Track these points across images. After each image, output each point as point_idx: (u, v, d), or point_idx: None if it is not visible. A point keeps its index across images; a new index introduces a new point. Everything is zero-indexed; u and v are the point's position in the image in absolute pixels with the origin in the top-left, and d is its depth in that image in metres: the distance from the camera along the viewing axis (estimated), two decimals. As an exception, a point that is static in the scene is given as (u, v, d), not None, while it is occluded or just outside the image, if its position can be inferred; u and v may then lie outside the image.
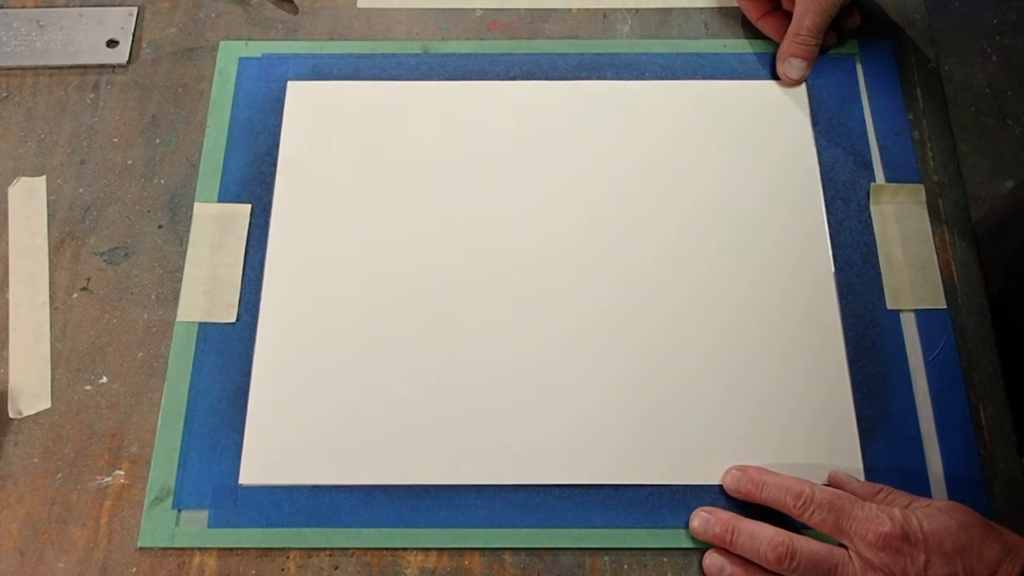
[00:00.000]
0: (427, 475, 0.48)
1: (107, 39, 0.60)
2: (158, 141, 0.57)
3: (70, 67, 0.59)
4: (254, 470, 0.48)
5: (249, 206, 0.54)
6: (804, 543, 0.43)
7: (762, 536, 0.44)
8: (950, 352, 0.51)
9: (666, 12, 0.61)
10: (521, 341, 0.51)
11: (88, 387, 0.50)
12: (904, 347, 0.51)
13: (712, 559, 0.45)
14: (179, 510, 0.47)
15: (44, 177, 0.56)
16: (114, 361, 0.51)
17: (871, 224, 0.54)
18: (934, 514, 0.42)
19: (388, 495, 0.47)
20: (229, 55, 0.59)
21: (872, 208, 0.54)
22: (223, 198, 0.55)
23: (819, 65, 0.59)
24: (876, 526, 0.42)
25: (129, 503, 0.48)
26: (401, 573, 0.46)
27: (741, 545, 0.44)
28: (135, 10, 0.61)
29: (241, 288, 0.52)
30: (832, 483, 0.47)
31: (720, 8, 0.61)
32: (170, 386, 0.50)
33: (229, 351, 0.51)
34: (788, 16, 0.57)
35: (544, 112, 0.57)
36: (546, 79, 0.58)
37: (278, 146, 0.56)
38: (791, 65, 0.57)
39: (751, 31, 0.60)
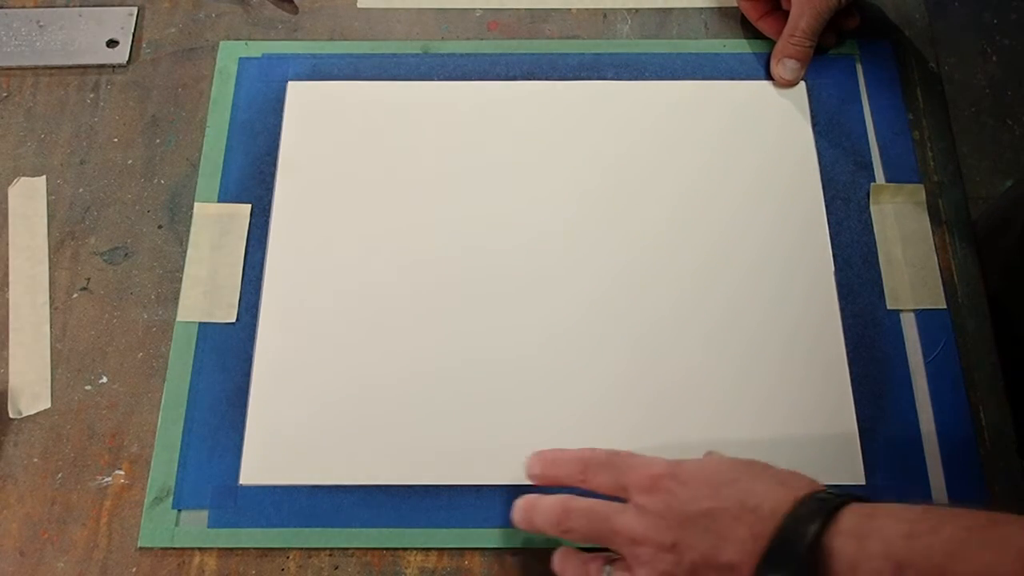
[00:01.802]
0: (427, 475, 0.48)
1: (107, 39, 0.60)
2: (158, 141, 0.57)
3: (70, 67, 0.59)
4: (254, 470, 0.48)
5: (249, 206, 0.54)
6: (578, 500, 0.42)
7: (542, 508, 0.42)
8: (950, 352, 0.51)
9: (666, 12, 0.61)
10: (521, 342, 0.51)
11: (88, 387, 0.50)
12: (904, 347, 0.51)
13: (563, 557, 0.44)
14: (179, 510, 0.47)
15: (44, 177, 0.56)
16: (114, 361, 0.51)
17: (871, 224, 0.54)
18: (714, 459, 0.41)
19: (388, 495, 0.47)
20: (229, 55, 0.59)
21: (872, 208, 0.54)
22: (223, 198, 0.55)
23: (819, 65, 0.59)
24: (648, 470, 0.41)
25: (129, 503, 0.48)
26: (401, 573, 0.46)
27: (540, 527, 0.43)
28: (135, 10, 0.61)
29: (241, 288, 0.52)
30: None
31: (720, 8, 0.61)
32: (170, 386, 0.50)
33: (229, 351, 0.51)
34: (787, 16, 0.57)
35: (544, 112, 0.57)
36: (546, 79, 0.58)
37: (278, 146, 0.56)
38: (785, 66, 0.57)
39: (751, 31, 0.60)
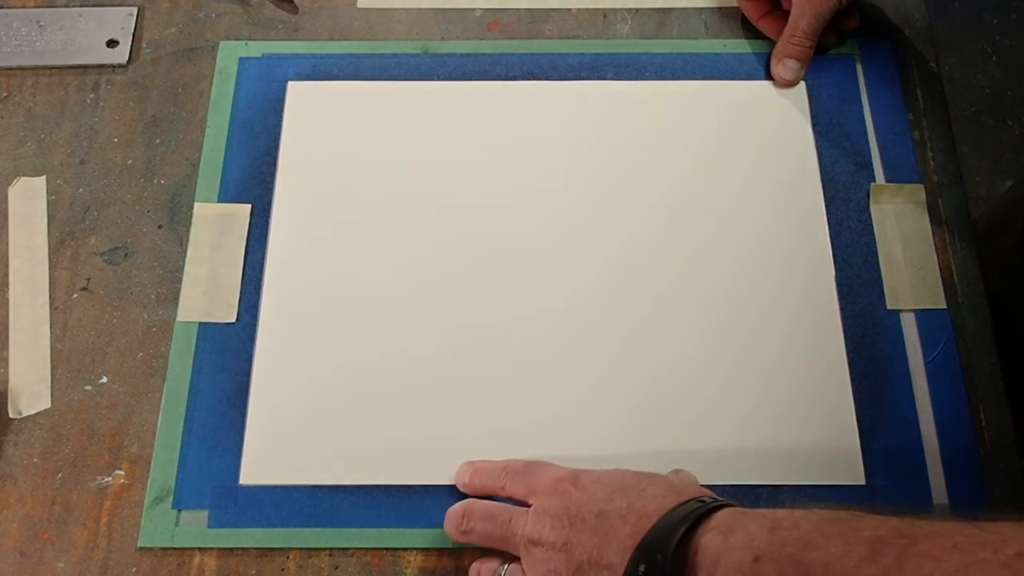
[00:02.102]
0: (427, 475, 0.48)
1: (107, 39, 0.60)
2: (158, 141, 0.57)
3: (70, 67, 0.59)
4: (254, 470, 0.48)
5: (249, 206, 0.54)
6: (479, 502, 0.44)
7: (448, 514, 0.45)
8: (950, 352, 0.51)
9: (666, 12, 0.61)
10: (522, 345, 0.51)
11: (88, 387, 0.50)
12: (904, 347, 0.51)
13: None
14: (179, 510, 0.47)
15: (44, 177, 0.56)
16: (114, 361, 0.51)
17: (871, 224, 0.54)
18: (616, 469, 0.43)
19: (388, 495, 0.47)
20: (229, 55, 0.59)
21: (872, 208, 0.54)
22: (223, 198, 0.55)
23: (819, 65, 0.59)
24: (553, 475, 0.43)
25: (129, 503, 0.48)
26: (401, 573, 0.46)
27: (448, 531, 0.45)
28: (135, 10, 0.61)
29: (241, 288, 0.52)
30: None
31: (720, 8, 0.61)
32: (170, 386, 0.50)
33: (229, 351, 0.51)
34: (788, 16, 0.57)
35: (544, 112, 0.57)
36: (546, 79, 0.58)
37: (278, 146, 0.56)
38: (785, 66, 0.57)
39: (751, 31, 0.60)
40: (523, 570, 0.41)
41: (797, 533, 0.34)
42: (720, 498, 0.39)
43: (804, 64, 0.57)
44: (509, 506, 0.43)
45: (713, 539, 0.36)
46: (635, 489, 0.40)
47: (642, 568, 0.36)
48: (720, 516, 0.37)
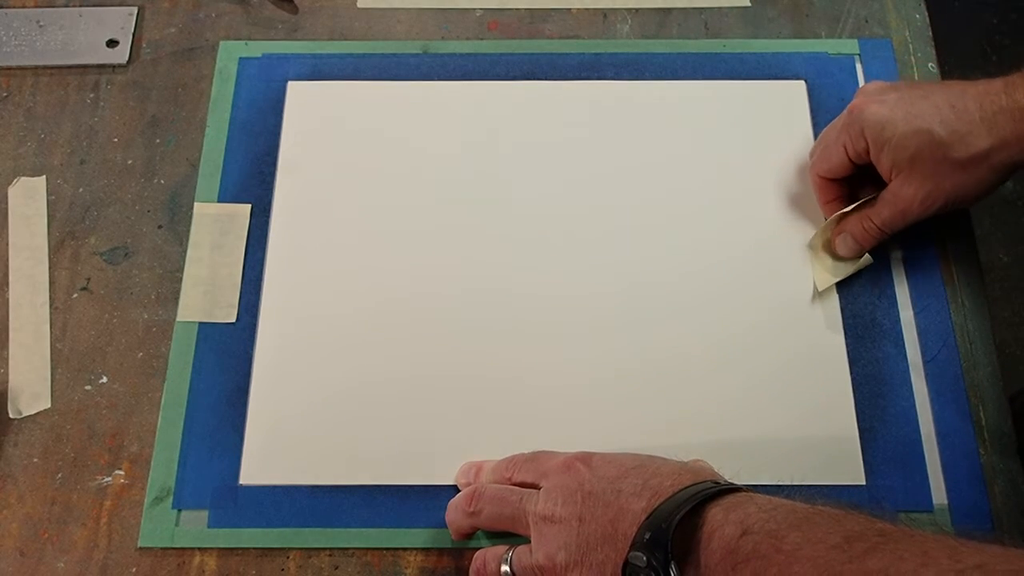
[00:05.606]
0: (427, 475, 0.48)
1: (107, 39, 0.60)
2: (158, 141, 0.57)
3: (70, 67, 0.59)
4: (254, 470, 0.48)
5: (249, 206, 0.54)
6: (488, 485, 0.45)
7: (455, 504, 0.45)
8: (950, 352, 0.51)
9: (666, 12, 0.61)
10: (521, 343, 0.51)
11: (88, 387, 0.50)
12: (904, 347, 0.51)
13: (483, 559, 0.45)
14: (179, 510, 0.47)
15: (44, 177, 0.56)
16: (114, 361, 0.51)
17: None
18: (626, 452, 0.43)
19: (388, 495, 0.47)
20: (229, 55, 0.59)
21: None
22: (223, 198, 0.55)
23: (819, 65, 0.59)
24: (563, 457, 0.43)
25: (129, 503, 0.48)
26: (401, 573, 0.46)
27: (454, 518, 0.45)
28: (135, 10, 0.61)
29: (241, 288, 0.52)
30: None
31: (720, 8, 0.61)
32: (170, 386, 0.50)
33: (229, 351, 0.51)
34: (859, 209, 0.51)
35: (544, 112, 0.57)
36: (546, 79, 0.58)
37: (278, 146, 0.56)
38: (844, 242, 0.51)
39: (751, 31, 0.60)
40: (531, 550, 0.41)
41: (786, 516, 0.36)
42: (736, 484, 0.40)
43: (864, 249, 0.52)
44: (519, 488, 0.44)
45: (716, 514, 0.37)
46: (649, 468, 0.41)
47: (647, 536, 0.37)
48: (730, 497, 0.38)
